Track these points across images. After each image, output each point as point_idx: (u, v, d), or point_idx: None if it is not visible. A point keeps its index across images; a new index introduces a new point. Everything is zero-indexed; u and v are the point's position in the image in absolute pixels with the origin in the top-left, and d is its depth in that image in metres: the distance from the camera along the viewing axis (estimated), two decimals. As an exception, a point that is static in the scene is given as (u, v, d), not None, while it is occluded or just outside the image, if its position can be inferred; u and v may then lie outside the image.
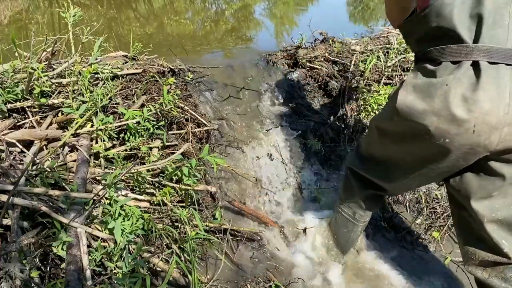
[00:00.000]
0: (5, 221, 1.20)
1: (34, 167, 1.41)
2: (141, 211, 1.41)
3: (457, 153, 1.13)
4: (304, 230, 1.89)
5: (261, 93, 2.38)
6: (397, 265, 1.78)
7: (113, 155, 1.59)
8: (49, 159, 1.52)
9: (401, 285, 1.69)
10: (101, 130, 1.65)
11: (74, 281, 1.07)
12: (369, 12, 4.91)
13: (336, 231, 1.81)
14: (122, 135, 1.73)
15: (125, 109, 1.71)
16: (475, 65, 1.06)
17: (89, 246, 1.25)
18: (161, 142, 1.76)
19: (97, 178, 1.53)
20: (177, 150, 1.70)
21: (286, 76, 2.47)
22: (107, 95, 1.78)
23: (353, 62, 2.49)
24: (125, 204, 1.37)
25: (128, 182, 1.58)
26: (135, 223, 1.34)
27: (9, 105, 1.65)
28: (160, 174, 1.63)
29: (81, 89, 1.77)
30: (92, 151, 1.61)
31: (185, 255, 1.42)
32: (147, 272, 1.25)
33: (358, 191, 1.61)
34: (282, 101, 2.39)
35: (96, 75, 1.91)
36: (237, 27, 4.03)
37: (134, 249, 1.31)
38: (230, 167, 1.99)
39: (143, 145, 1.69)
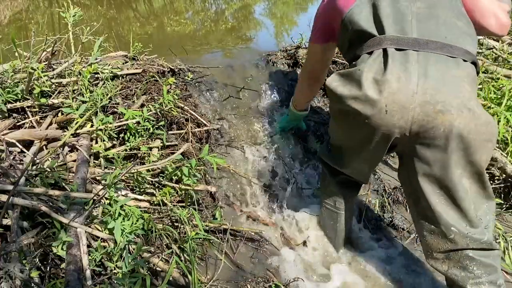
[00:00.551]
0: (5, 221, 1.20)
1: (34, 167, 1.41)
2: (141, 211, 1.41)
3: (378, 134, 1.22)
4: (304, 231, 1.90)
5: (261, 93, 2.38)
6: (396, 265, 1.78)
7: (113, 155, 1.60)
8: (49, 159, 1.52)
9: (401, 285, 1.69)
10: (101, 130, 1.65)
11: (74, 281, 1.07)
12: (369, 12, 4.89)
13: (324, 225, 1.84)
14: (122, 135, 1.73)
15: (125, 109, 1.71)
16: (385, 53, 1.20)
17: (89, 246, 1.25)
18: (161, 142, 1.76)
19: (97, 178, 1.53)
20: (177, 150, 1.70)
21: (286, 76, 2.47)
22: (107, 95, 1.78)
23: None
24: (125, 204, 1.37)
25: (128, 182, 1.58)
26: (135, 223, 1.34)
27: (9, 105, 1.65)
28: (160, 174, 1.63)
29: (81, 89, 1.77)
30: (92, 151, 1.61)
31: (185, 255, 1.42)
32: (147, 272, 1.25)
33: (331, 178, 1.67)
34: (282, 101, 2.39)
35: (96, 75, 1.91)
36: (237, 27, 4.03)
37: (134, 249, 1.31)
38: (230, 167, 1.99)
39: (143, 145, 1.69)
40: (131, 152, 1.67)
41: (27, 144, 1.56)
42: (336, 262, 1.78)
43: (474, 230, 1.25)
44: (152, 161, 1.63)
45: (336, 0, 1.44)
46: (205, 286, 1.39)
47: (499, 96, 2.25)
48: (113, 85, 1.87)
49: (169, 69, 2.19)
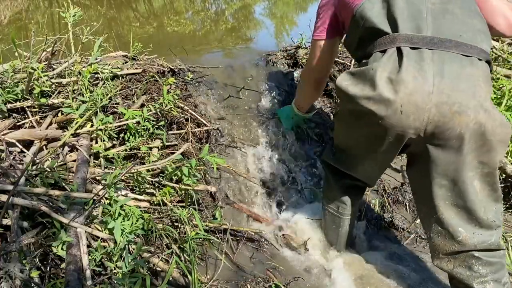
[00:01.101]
0: (5, 221, 1.20)
1: (34, 167, 1.41)
2: (141, 211, 1.41)
3: (392, 135, 1.19)
4: (304, 231, 1.90)
5: (261, 93, 2.38)
6: (396, 265, 1.78)
7: (113, 155, 1.60)
8: (49, 159, 1.52)
9: (401, 285, 1.69)
10: (101, 130, 1.65)
11: (74, 281, 1.07)
12: (369, 12, 4.89)
13: (326, 229, 1.82)
14: (122, 135, 1.73)
15: (125, 109, 1.71)
16: (399, 51, 1.16)
17: (89, 246, 1.25)
18: (161, 142, 1.76)
19: (97, 178, 1.53)
20: (177, 150, 1.70)
21: (286, 76, 2.46)
22: (107, 95, 1.78)
23: (353, 62, 2.49)
24: (125, 204, 1.37)
25: (128, 182, 1.58)
26: (135, 223, 1.34)
27: (9, 105, 1.65)
28: (160, 174, 1.63)
29: (81, 89, 1.77)
30: (92, 151, 1.61)
31: (185, 255, 1.42)
32: (147, 272, 1.25)
33: (335, 182, 1.64)
34: (282, 101, 2.39)
35: (96, 75, 1.91)
36: (237, 27, 4.03)
37: (134, 249, 1.31)
38: (230, 167, 1.99)
39: (143, 145, 1.69)
40: (131, 152, 1.67)
41: (27, 144, 1.56)
42: (336, 262, 1.78)
43: (482, 231, 1.25)
44: (152, 161, 1.62)
45: None
46: (205, 286, 1.39)
47: (499, 96, 2.25)
48: (113, 85, 1.87)
49: (169, 69, 2.19)
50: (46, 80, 1.75)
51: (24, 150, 1.51)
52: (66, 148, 1.60)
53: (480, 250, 1.26)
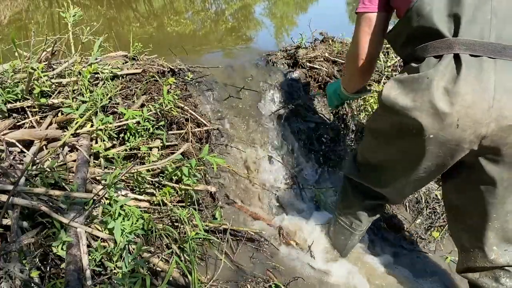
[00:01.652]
0: (5, 221, 1.20)
1: (34, 167, 1.41)
2: (141, 211, 1.41)
3: (443, 149, 1.10)
4: (304, 231, 1.90)
5: (261, 93, 2.38)
6: (397, 265, 1.78)
7: (113, 155, 1.60)
8: (49, 159, 1.52)
9: (401, 285, 1.69)
10: (101, 130, 1.65)
11: (74, 281, 1.07)
12: (369, 12, 4.89)
13: (333, 238, 1.80)
14: (122, 135, 1.73)
15: (125, 109, 1.71)
16: (457, 58, 1.05)
17: (89, 246, 1.25)
18: (161, 142, 1.76)
19: (97, 178, 1.53)
20: (177, 150, 1.70)
21: (286, 76, 2.46)
22: (107, 95, 1.78)
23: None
24: (125, 204, 1.37)
25: (128, 182, 1.58)
26: (135, 223, 1.34)
27: (9, 105, 1.65)
28: (160, 174, 1.63)
29: (81, 89, 1.77)
30: (92, 151, 1.61)
31: (185, 255, 1.42)
32: (147, 272, 1.25)
33: (356, 201, 1.58)
34: (282, 101, 2.39)
35: (96, 75, 1.91)
36: (237, 27, 4.03)
37: (134, 249, 1.31)
38: (230, 167, 1.99)
39: (143, 145, 1.69)
40: (131, 152, 1.67)
41: (27, 144, 1.56)
42: (336, 262, 1.78)
43: None
44: (152, 161, 1.62)
45: None
46: (205, 286, 1.39)
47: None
48: (113, 85, 1.87)
49: (169, 69, 2.19)
50: (46, 80, 1.75)
51: (24, 150, 1.51)
52: (66, 148, 1.60)
53: (510, 266, 1.24)
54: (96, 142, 1.67)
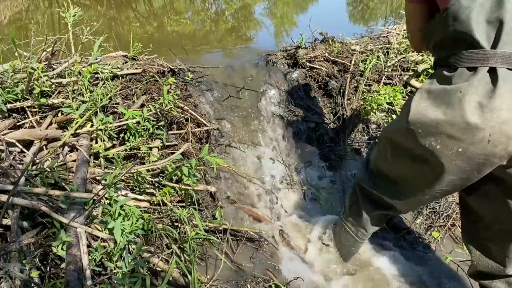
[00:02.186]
0: (5, 221, 1.20)
1: (34, 167, 1.41)
2: (141, 211, 1.41)
3: (471, 164, 1.06)
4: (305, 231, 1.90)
5: (261, 93, 2.38)
6: (397, 265, 1.78)
7: (113, 155, 1.59)
8: (49, 159, 1.52)
9: (401, 285, 1.69)
10: (101, 130, 1.65)
11: (74, 281, 1.07)
12: (369, 12, 4.90)
13: (337, 242, 1.79)
14: (122, 135, 1.73)
15: (125, 109, 1.71)
16: (492, 72, 0.99)
17: (89, 246, 1.25)
18: (161, 142, 1.76)
19: (97, 178, 1.53)
20: (177, 150, 1.70)
21: (286, 76, 2.47)
22: (107, 95, 1.78)
23: (353, 62, 2.50)
24: (125, 204, 1.37)
25: (128, 182, 1.58)
26: (135, 223, 1.34)
27: (9, 105, 1.65)
28: (160, 174, 1.63)
29: (81, 89, 1.77)
30: (92, 151, 1.61)
31: (185, 255, 1.42)
32: (147, 272, 1.25)
33: (366, 210, 1.56)
34: (282, 101, 2.39)
35: (96, 75, 1.91)
36: (237, 27, 4.03)
37: (134, 249, 1.31)
38: (230, 167, 1.99)
39: (143, 145, 1.69)
40: (131, 152, 1.67)
41: (27, 144, 1.56)
42: (335, 262, 1.78)
43: None
44: (152, 161, 1.62)
45: None
46: (205, 286, 1.39)
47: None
48: (113, 85, 1.87)
49: (169, 69, 2.19)
50: (46, 80, 1.75)
51: (24, 150, 1.51)
52: (66, 148, 1.60)
53: None
54: (96, 142, 1.67)
